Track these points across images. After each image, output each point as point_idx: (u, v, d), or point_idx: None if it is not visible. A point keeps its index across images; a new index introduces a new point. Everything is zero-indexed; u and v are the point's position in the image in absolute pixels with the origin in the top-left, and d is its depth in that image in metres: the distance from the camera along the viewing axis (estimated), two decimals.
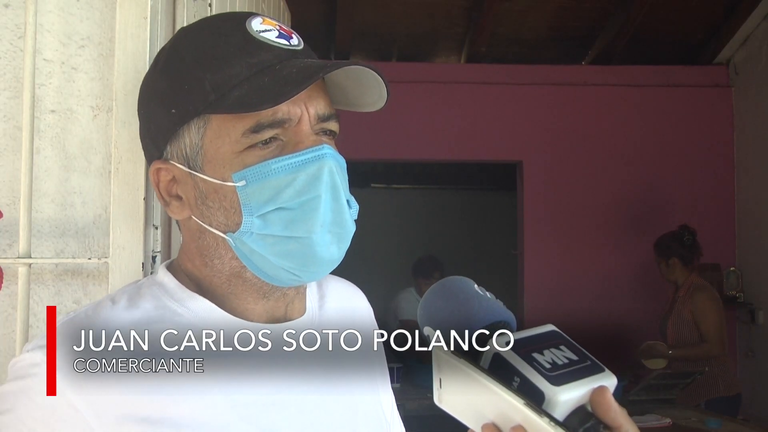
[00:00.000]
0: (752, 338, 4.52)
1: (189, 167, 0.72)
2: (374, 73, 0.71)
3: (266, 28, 0.72)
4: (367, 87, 0.74)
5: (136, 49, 1.08)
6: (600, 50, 4.79)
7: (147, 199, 1.07)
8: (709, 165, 4.75)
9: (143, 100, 0.78)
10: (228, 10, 1.44)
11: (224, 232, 0.71)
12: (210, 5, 1.26)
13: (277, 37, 0.72)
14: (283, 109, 0.68)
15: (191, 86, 0.70)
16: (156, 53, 1.11)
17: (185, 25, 1.21)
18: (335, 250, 0.72)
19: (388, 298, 4.43)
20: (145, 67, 1.07)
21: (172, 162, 0.74)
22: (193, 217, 0.74)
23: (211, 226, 0.72)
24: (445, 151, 4.80)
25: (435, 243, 5.16)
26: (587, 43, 4.83)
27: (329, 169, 0.70)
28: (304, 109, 0.70)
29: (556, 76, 4.77)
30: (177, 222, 0.80)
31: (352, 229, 0.74)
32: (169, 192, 0.75)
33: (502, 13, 4.41)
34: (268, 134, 0.69)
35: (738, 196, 4.74)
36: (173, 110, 0.71)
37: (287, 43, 0.72)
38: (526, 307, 4.65)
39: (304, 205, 0.69)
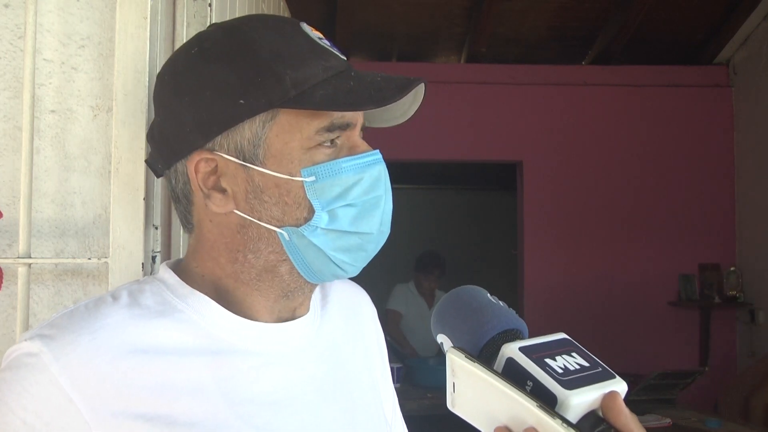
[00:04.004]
0: (752, 338, 4.52)
1: (243, 160, 0.71)
2: (417, 89, 0.75)
3: (320, 36, 0.75)
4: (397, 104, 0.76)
5: (136, 49, 1.07)
6: (600, 50, 4.79)
7: (147, 199, 1.07)
8: (709, 165, 4.75)
9: (193, 89, 0.72)
10: (228, 10, 1.44)
11: (278, 227, 0.72)
12: (210, 5, 1.25)
13: (330, 46, 0.75)
14: (348, 115, 0.72)
15: (267, 80, 0.69)
16: (156, 52, 1.12)
17: (185, 25, 1.21)
18: (378, 248, 0.77)
19: (387, 296, 4.43)
20: (146, 67, 1.07)
21: (219, 153, 0.72)
22: (237, 211, 0.73)
23: (260, 220, 0.72)
24: (445, 151, 4.79)
25: (435, 243, 5.17)
26: (587, 43, 4.83)
27: (385, 172, 0.76)
28: (359, 118, 0.75)
29: (556, 76, 4.77)
30: (185, 219, 0.78)
31: (389, 230, 0.78)
32: (207, 184, 0.73)
33: (502, 13, 4.41)
34: (335, 135, 0.72)
35: (738, 196, 4.74)
36: (241, 101, 0.70)
37: (339, 53, 0.75)
38: (526, 307, 4.66)
39: (367, 203, 0.73)
